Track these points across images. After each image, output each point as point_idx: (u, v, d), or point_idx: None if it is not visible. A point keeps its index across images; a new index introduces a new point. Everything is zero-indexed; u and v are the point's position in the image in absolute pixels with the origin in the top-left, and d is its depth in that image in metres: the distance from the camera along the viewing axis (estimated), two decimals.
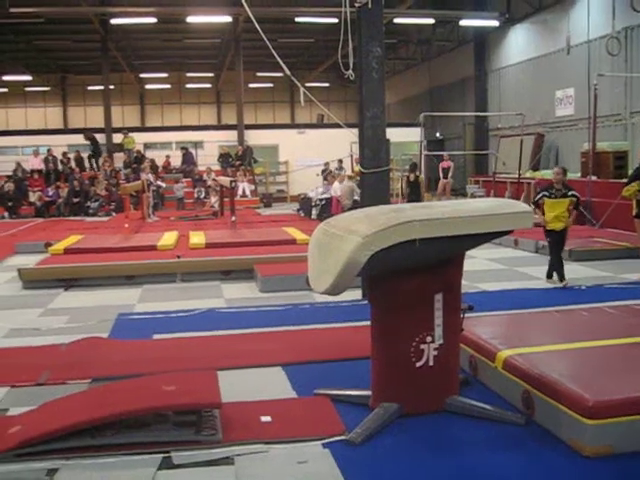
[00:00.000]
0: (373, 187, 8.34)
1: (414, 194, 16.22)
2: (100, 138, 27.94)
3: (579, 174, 17.69)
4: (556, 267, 9.38)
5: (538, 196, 9.48)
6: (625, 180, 10.30)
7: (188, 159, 27.16)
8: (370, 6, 8.08)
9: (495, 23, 25.69)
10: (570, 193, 9.23)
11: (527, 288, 9.30)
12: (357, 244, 4.07)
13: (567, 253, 11.21)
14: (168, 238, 12.70)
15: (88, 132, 26.95)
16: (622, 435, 4.05)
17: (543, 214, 9.26)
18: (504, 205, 4.76)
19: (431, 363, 4.63)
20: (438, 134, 31.22)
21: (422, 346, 4.60)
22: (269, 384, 5.48)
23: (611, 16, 17.81)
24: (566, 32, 19.37)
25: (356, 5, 8.21)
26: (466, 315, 4.96)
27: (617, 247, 11.10)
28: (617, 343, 5.31)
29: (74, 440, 4.13)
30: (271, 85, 42.05)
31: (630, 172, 12.23)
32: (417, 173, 16.62)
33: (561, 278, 9.27)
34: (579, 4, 20.97)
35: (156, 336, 7.07)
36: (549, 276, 9.49)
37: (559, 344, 5.32)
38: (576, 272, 9.99)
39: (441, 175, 22.40)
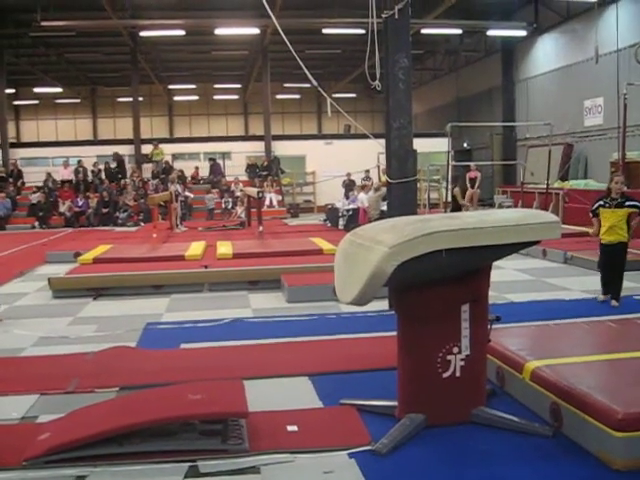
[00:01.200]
0: (400, 197, 8.34)
1: None
2: (129, 149, 28.29)
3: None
4: (611, 285, 8.76)
5: (595, 205, 8.87)
6: None
7: (216, 170, 27.35)
8: (397, 17, 8.10)
9: (523, 33, 25.58)
10: (628, 203, 8.54)
11: (555, 299, 9.21)
12: (384, 254, 4.07)
13: (596, 264, 11.10)
14: (196, 248, 12.78)
15: (118, 155, 27.26)
16: None
17: (600, 225, 8.71)
18: (531, 215, 4.73)
19: (458, 374, 4.61)
20: (465, 144, 31.11)
21: (449, 357, 4.58)
22: (295, 394, 5.49)
23: (639, 25, 17.66)
24: (594, 41, 19.22)
25: (383, 16, 8.23)
26: (493, 326, 4.93)
27: None
28: None
29: (102, 448, 4.17)
30: (298, 96, 42.21)
31: None
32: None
33: (614, 297, 8.68)
34: (607, 13, 20.82)
35: (183, 345, 7.11)
36: (605, 292, 8.83)
37: (587, 355, 5.28)
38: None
39: (468, 185, 22.30)
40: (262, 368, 6.14)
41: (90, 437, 4.16)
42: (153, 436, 4.29)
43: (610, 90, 19.97)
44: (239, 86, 41.15)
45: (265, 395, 5.38)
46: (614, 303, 8.65)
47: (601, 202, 8.74)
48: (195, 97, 42.20)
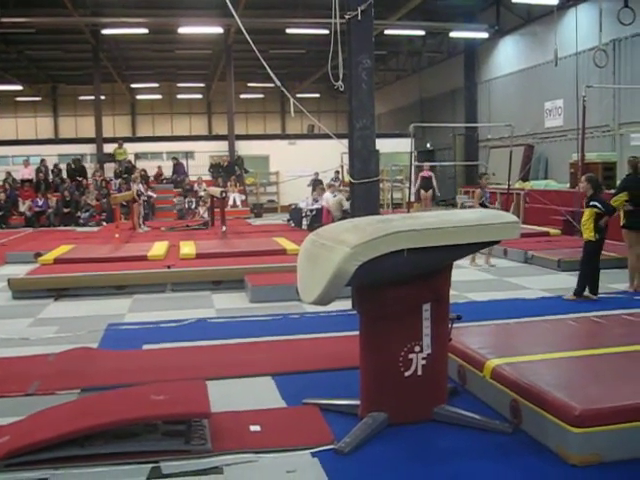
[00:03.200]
0: (363, 197, 8.38)
1: None
2: (91, 148, 27.97)
3: (568, 185, 17.79)
4: (586, 280, 9.05)
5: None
6: (613, 191, 10.35)
7: (179, 169, 27.19)
8: (360, 18, 8.14)
9: (485, 35, 25.86)
10: (591, 203, 8.91)
11: (516, 298, 9.35)
12: (346, 254, 4.10)
13: (556, 263, 11.30)
14: (158, 248, 12.70)
15: (78, 160, 26.92)
16: (610, 444, 4.07)
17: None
18: (491, 216, 4.80)
19: (419, 372, 4.66)
20: (428, 145, 31.35)
21: (410, 355, 4.63)
22: (259, 394, 5.49)
23: (598, 29, 17.98)
24: (554, 44, 19.50)
25: (346, 17, 8.27)
26: (454, 325, 4.99)
27: (605, 257, 11.11)
28: (605, 352, 5.34)
29: (63, 450, 4.13)
30: (262, 96, 42.11)
31: (618, 183, 12.31)
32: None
33: (592, 291, 9.01)
34: (567, 17, 21.15)
35: (146, 346, 7.07)
36: (577, 293, 9.03)
37: (547, 353, 5.35)
38: (564, 282, 10.05)
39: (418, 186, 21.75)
40: (225, 368, 6.13)
41: (51, 439, 4.12)
42: (115, 437, 4.27)
43: (570, 92, 20.27)
44: (203, 85, 40.94)
45: (228, 395, 5.38)
46: (591, 296, 9.02)
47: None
48: (158, 96, 41.86)
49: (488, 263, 11.94)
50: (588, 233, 8.95)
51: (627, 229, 9.66)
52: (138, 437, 4.32)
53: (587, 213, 8.97)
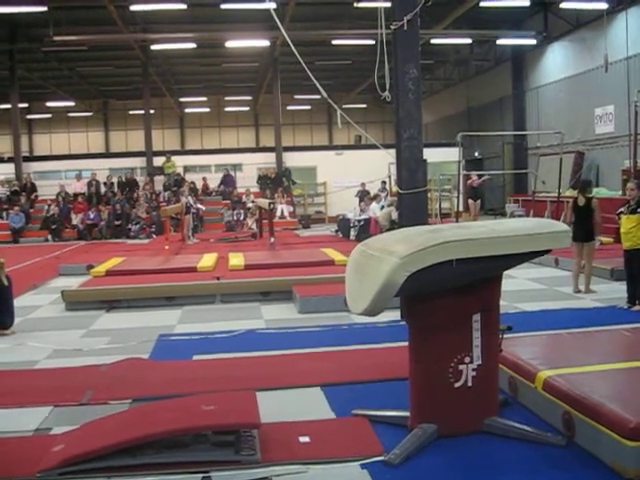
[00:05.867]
0: (411, 207, 8.35)
1: (584, 223, 10.04)
2: (141, 161, 28.46)
3: (620, 192, 17.44)
4: (631, 289, 8.95)
5: (618, 210, 9.25)
6: None
7: (228, 181, 27.45)
8: (406, 28, 8.13)
9: (532, 41, 25.58)
10: None
11: (567, 308, 9.19)
12: (395, 265, 4.09)
13: (609, 272, 11.08)
14: (207, 260, 12.81)
15: (131, 175, 27.45)
16: None
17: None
18: (541, 225, 4.74)
19: (470, 384, 4.61)
20: (477, 153, 31.09)
21: (460, 367, 4.59)
22: (308, 405, 5.50)
23: None
24: (604, 49, 19.21)
25: (392, 27, 8.27)
26: (505, 335, 4.93)
27: None
28: None
29: (115, 459, 4.19)
30: (309, 107, 42.31)
31: None
32: (589, 194, 10.52)
33: (636, 301, 8.84)
34: (617, 21, 20.81)
35: (196, 357, 7.14)
36: (630, 301, 8.91)
37: (600, 365, 5.25)
38: (618, 291, 9.83)
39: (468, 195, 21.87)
40: (275, 379, 6.15)
41: (103, 449, 4.19)
42: (166, 447, 4.32)
43: (621, 98, 19.93)
44: (250, 98, 41.31)
45: (278, 406, 5.39)
46: (636, 308, 8.76)
47: (622, 209, 9.07)
48: (206, 109, 42.38)
49: (587, 289, 10.24)
50: (635, 241, 8.77)
51: None
52: (188, 447, 4.37)
53: (634, 220, 8.77)
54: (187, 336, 8.16)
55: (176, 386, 5.92)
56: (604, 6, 20.34)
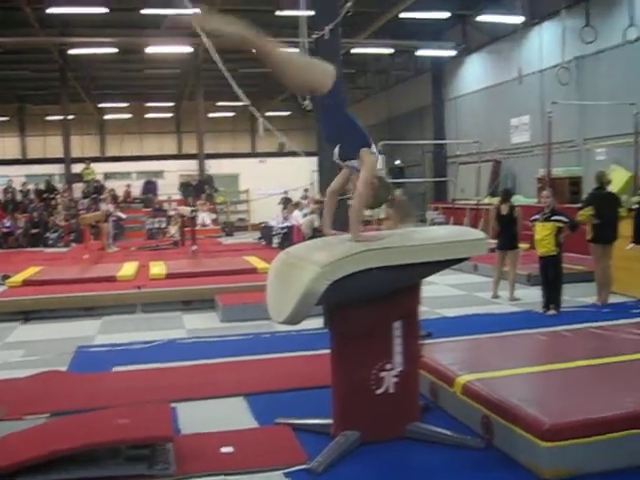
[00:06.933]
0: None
1: (508, 232, 10.37)
2: (59, 168, 27.77)
3: (535, 199, 17.98)
4: (547, 294, 9.23)
5: (532, 217, 9.51)
6: (579, 205, 10.51)
7: (150, 188, 27.09)
8: (327, 37, 8.21)
9: (451, 53, 26.14)
10: (554, 217, 9.12)
11: (486, 313, 9.42)
12: (315, 274, 4.11)
13: (526, 278, 11.40)
14: (128, 269, 12.59)
15: (48, 182, 26.73)
16: (582, 457, 4.10)
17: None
18: (459, 233, 4.84)
19: (391, 390, 4.67)
20: (398, 162, 31.54)
21: (382, 374, 4.64)
22: (230, 415, 5.46)
23: (561, 47, 18.33)
24: (519, 62, 19.80)
25: (313, 36, 8.33)
26: (427, 341, 5.02)
27: (573, 271, 11.28)
28: (574, 366, 5.39)
29: (25, 476, 4.05)
30: (232, 114, 42.09)
31: (584, 197, 12.47)
32: (513, 203, 10.83)
33: (550, 305, 9.15)
34: (531, 35, 21.48)
35: (116, 368, 7.00)
36: (545, 305, 9.22)
37: (517, 368, 5.40)
38: (533, 296, 10.12)
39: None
40: (197, 389, 6.09)
41: (12, 465, 4.04)
42: (78, 462, 4.19)
43: (535, 108, 20.57)
44: (172, 104, 40.82)
45: (200, 417, 5.34)
46: (551, 312, 9.06)
47: (537, 216, 9.34)
48: (127, 115, 41.64)
49: (512, 297, 10.41)
50: (549, 247, 9.11)
51: (594, 243, 9.79)
52: (101, 462, 4.24)
53: (549, 227, 9.11)
54: (107, 347, 7.99)
55: (95, 399, 5.78)
56: (519, 20, 21.00)
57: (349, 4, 8.57)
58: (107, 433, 4.39)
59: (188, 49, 25.44)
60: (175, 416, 5.29)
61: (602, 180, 10.07)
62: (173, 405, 5.47)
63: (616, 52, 17.89)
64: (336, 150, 4.65)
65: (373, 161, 4.51)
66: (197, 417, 5.30)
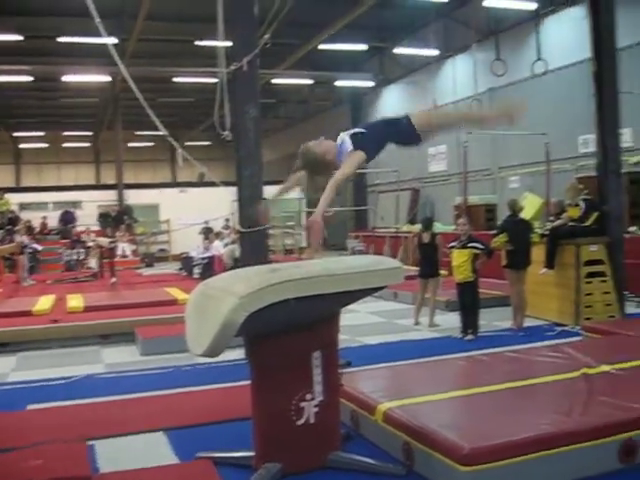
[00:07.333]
0: (252, 246, 8.40)
1: (429, 260, 10.56)
2: None
3: (453, 227, 18.40)
4: (464, 320, 9.44)
5: (450, 244, 9.72)
6: (494, 232, 10.80)
7: (68, 219, 26.49)
8: (245, 69, 8.24)
9: (369, 83, 26.69)
10: (470, 244, 9.35)
11: (407, 340, 9.54)
12: (234, 305, 4.09)
13: (444, 304, 11.61)
14: (44, 302, 12.23)
15: None
16: (501, 479, 4.16)
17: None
18: (376, 262, 4.90)
19: (312, 420, 4.66)
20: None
21: (302, 404, 4.63)
22: (150, 451, 5.34)
23: (474, 79, 18.96)
24: (433, 93, 20.37)
25: (231, 68, 8.36)
26: (347, 369, 5.05)
27: (490, 296, 11.56)
28: (492, 390, 5.50)
29: None
30: (151, 144, 41.72)
31: (498, 224, 12.85)
32: (434, 231, 11.04)
33: (468, 330, 9.35)
34: (446, 67, 22.17)
35: (31, 406, 6.76)
36: (464, 330, 9.42)
37: (437, 394, 5.46)
38: (452, 322, 10.31)
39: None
40: (115, 426, 5.94)
41: None
42: None
43: (452, 138, 21.12)
44: (90, 134, 40.22)
45: (119, 454, 5.21)
46: (469, 337, 9.26)
47: (454, 243, 9.59)
48: (44, 145, 40.79)
49: (431, 323, 10.51)
50: (466, 274, 9.35)
51: (509, 268, 10.07)
52: None
53: (466, 254, 9.34)
54: (21, 384, 7.71)
55: (7, 439, 5.55)
56: (434, 53, 21.63)
57: (267, 37, 8.64)
58: (20, 475, 4.24)
59: (106, 78, 25.16)
60: (93, 454, 5.15)
61: (514, 208, 10.39)
62: (91, 443, 5.34)
63: (525, 85, 18.64)
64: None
65: (357, 164, 4.71)
66: (116, 454, 5.17)
